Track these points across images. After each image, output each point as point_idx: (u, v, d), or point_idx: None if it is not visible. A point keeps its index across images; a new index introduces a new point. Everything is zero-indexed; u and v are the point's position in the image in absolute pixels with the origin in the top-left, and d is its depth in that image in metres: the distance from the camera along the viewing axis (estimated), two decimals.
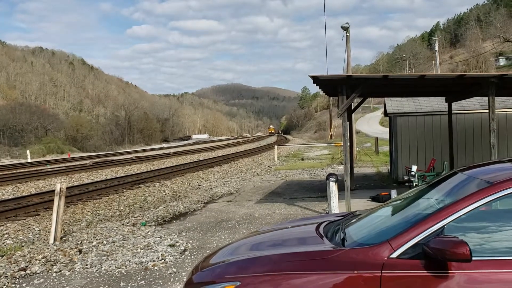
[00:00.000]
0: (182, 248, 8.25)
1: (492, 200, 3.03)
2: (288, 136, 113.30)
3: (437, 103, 15.76)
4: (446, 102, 14.18)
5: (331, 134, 67.23)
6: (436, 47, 52.71)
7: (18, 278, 6.91)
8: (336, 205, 9.07)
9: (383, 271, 2.91)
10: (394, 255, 2.96)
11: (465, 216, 3.02)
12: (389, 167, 18.94)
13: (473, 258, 2.79)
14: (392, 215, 3.83)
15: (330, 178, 9.13)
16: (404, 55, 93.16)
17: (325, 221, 4.24)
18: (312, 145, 49.15)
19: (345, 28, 29.62)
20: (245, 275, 3.21)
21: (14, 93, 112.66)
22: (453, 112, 14.45)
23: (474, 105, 15.62)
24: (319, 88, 11.74)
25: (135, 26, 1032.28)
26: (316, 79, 10.17)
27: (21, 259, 7.85)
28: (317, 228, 3.97)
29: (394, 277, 2.90)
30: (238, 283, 3.14)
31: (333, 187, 9.09)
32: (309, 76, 9.73)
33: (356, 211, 4.82)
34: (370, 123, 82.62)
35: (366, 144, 43.61)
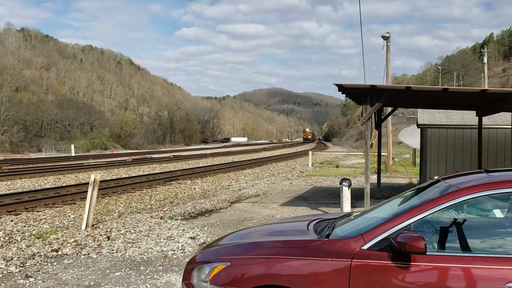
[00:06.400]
0: (202, 241, 8.75)
1: (453, 204, 3.41)
2: (328, 143, 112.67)
3: (469, 117, 15.68)
4: (476, 116, 14.15)
5: (372, 143, 66.66)
6: (485, 60, 51.45)
7: (50, 258, 7.58)
8: (348, 209, 9.38)
9: (353, 260, 3.35)
10: (365, 246, 3.39)
11: (431, 216, 3.42)
12: (419, 178, 18.91)
13: (434, 253, 3.25)
14: (376, 215, 4.18)
15: (343, 183, 9.48)
16: (439, 67, 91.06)
17: (318, 219, 4.65)
18: (350, 153, 48.98)
19: (386, 38, 29.66)
20: (235, 257, 3.76)
21: (63, 89, 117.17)
22: (484, 126, 14.38)
23: (507, 120, 15.46)
24: (346, 96, 12.03)
25: (184, 28, 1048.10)
26: (342, 88, 10.48)
27: (54, 241, 8.54)
28: (309, 223, 4.38)
29: (363, 265, 3.32)
30: (229, 263, 3.69)
31: (345, 191, 9.41)
32: (333, 84, 10.06)
33: (353, 211, 5.19)
34: (414, 134, 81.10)
35: (405, 155, 43.23)
